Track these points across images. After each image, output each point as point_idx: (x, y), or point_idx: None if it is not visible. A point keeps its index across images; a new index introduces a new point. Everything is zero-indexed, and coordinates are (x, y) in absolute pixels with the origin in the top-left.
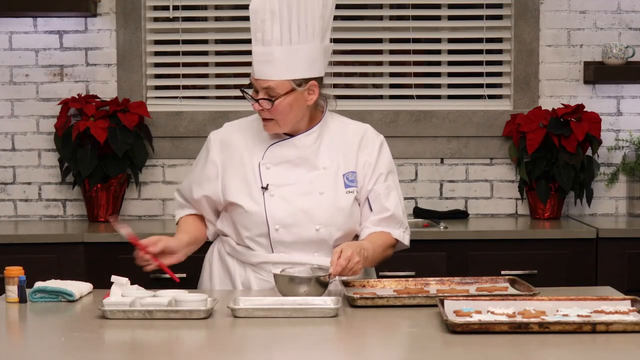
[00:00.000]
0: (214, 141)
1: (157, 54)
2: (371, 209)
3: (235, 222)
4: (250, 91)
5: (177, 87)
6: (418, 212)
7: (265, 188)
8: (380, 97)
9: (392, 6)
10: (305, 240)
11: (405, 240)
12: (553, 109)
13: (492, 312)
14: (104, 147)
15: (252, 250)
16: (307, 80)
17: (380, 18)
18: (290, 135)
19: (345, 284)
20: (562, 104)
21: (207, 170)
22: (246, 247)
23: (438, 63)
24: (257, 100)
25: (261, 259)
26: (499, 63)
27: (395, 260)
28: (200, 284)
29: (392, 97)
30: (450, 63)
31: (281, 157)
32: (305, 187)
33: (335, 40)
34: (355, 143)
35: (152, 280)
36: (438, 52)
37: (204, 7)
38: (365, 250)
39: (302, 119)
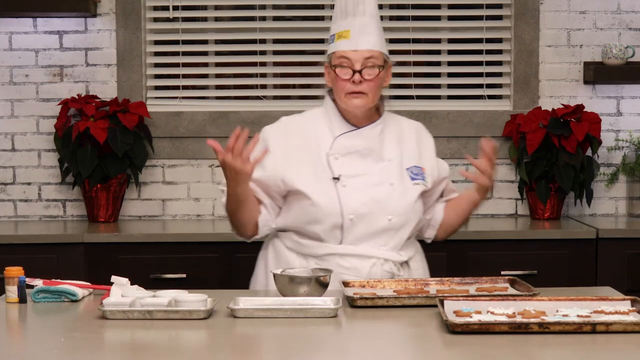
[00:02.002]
0: (272, 133)
1: (157, 54)
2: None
3: (304, 214)
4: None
5: (177, 87)
6: None
7: (337, 179)
8: (380, 97)
9: (392, 6)
10: (376, 230)
11: None
12: (553, 109)
13: (492, 313)
14: (104, 147)
15: (320, 242)
16: (386, 60)
17: (380, 18)
18: (356, 127)
19: (345, 284)
20: (562, 104)
21: (267, 164)
22: (312, 240)
23: (438, 63)
24: (358, 71)
25: (328, 250)
26: (499, 63)
27: None
28: (253, 283)
29: (392, 97)
30: (450, 63)
31: (349, 147)
32: (375, 177)
33: None
34: (413, 139)
35: (152, 281)
36: (438, 52)
37: (204, 7)
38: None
39: (374, 103)
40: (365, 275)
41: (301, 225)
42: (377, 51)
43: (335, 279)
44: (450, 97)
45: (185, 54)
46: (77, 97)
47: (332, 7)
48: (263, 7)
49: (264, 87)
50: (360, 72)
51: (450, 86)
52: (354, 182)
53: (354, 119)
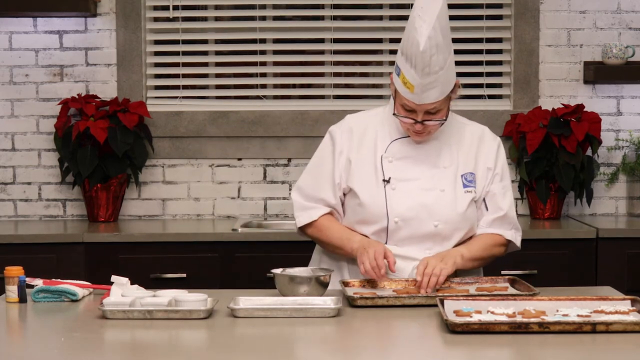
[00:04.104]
0: (339, 132)
1: (157, 54)
2: (487, 209)
3: (354, 214)
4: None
5: (177, 87)
6: None
7: (387, 181)
8: (380, 97)
9: (392, 6)
10: (422, 235)
11: (517, 241)
12: (553, 109)
13: (492, 312)
14: (104, 147)
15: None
16: (453, 88)
17: (380, 18)
18: None
19: (345, 284)
20: (562, 104)
21: (339, 162)
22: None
23: None
24: (420, 122)
25: None
26: (499, 63)
27: None
28: None
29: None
30: None
31: (404, 152)
32: (427, 183)
33: (335, 41)
34: (474, 145)
35: (152, 280)
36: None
37: (204, 7)
38: (452, 258)
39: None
40: (406, 277)
41: (352, 225)
42: (441, 100)
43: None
44: None
45: (185, 53)
46: (77, 96)
47: (332, 7)
48: (263, 7)
49: (264, 87)
50: (422, 122)
51: None
52: (403, 186)
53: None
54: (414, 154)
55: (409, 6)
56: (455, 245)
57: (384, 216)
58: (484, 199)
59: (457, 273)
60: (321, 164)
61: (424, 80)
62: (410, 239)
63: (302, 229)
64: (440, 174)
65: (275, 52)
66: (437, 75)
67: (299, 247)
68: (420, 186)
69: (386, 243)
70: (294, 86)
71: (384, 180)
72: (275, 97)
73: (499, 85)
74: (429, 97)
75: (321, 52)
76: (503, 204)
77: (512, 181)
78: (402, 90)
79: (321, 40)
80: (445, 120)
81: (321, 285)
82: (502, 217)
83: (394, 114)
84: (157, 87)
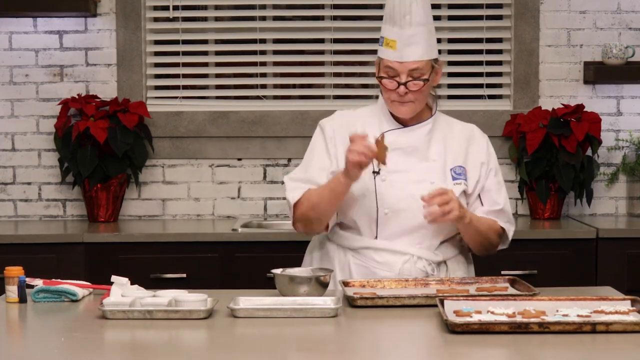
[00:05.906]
0: (329, 125)
1: (157, 54)
2: (482, 204)
3: (344, 205)
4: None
5: (177, 87)
6: None
7: (377, 172)
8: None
9: None
10: (411, 228)
11: (509, 234)
12: (553, 109)
13: (492, 312)
14: (104, 147)
15: (356, 235)
16: (436, 60)
17: (380, 18)
18: (404, 125)
19: (345, 284)
20: (562, 104)
21: (329, 148)
22: (350, 231)
23: None
24: (403, 84)
25: (363, 243)
26: (499, 63)
27: None
28: None
29: None
30: (450, 63)
31: (394, 143)
32: (417, 175)
33: (335, 41)
34: (463, 140)
35: (152, 281)
36: (438, 52)
37: (204, 7)
38: (464, 210)
39: (421, 108)
40: (397, 272)
41: (343, 215)
42: (424, 61)
43: (368, 274)
44: (450, 97)
45: (185, 54)
46: (77, 97)
47: (332, 7)
48: (263, 7)
49: (264, 87)
50: (405, 84)
51: (450, 86)
52: (393, 178)
53: (402, 117)
54: (404, 146)
55: None
56: (445, 241)
57: (373, 207)
58: (478, 195)
59: (449, 271)
60: (312, 156)
61: (405, 31)
62: (399, 232)
63: (295, 215)
64: (430, 166)
65: (275, 52)
66: (418, 28)
67: (299, 247)
68: (410, 178)
69: (376, 237)
70: (294, 86)
71: (373, 172)
72: (275, 97)
73: (499, 85)
74: (411, 54)
75: (321, 52)
76: (499, 199)
77: (512, 181)
78: (386, 53)
79: (321, 40)
80: (428, 81)
81: (321, 285)
82: (498, 211)
83: (377, 77)
84: (157, 87)
